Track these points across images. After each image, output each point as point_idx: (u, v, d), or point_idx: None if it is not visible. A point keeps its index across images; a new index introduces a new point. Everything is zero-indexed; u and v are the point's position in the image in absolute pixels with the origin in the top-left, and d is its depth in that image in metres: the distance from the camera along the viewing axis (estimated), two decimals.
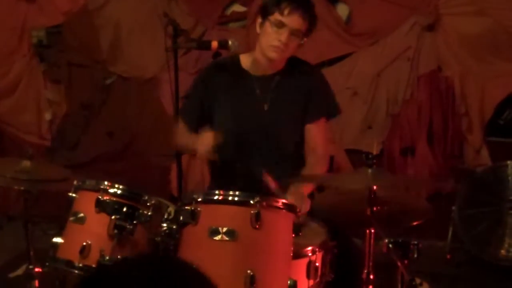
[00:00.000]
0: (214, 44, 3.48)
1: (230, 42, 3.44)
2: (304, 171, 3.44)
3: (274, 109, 3.46)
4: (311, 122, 3.49)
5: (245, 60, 3.52)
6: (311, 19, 3.35)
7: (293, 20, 3.30)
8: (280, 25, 3.30)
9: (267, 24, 3.33)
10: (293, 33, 3.31)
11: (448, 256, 4.82)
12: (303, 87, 3.49)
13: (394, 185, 3.02)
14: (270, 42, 3.33)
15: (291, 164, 3.46)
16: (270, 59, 3.39)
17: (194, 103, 3.59)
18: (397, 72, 5.49)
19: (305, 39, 3.38)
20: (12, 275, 4.35)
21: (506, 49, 5.31)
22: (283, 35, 3.30)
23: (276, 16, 3.30)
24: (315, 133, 3.50)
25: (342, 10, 5.66)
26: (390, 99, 5.49)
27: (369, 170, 2.86)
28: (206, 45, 3.61)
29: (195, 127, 3.51)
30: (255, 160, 3.43)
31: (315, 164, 3.45)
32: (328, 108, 3.56)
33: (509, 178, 4.76)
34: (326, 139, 3.59)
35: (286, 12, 3.29)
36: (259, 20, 3.40)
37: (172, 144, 3.56)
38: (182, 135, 3.54)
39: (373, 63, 5.56)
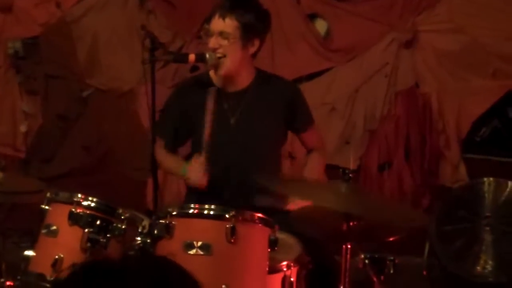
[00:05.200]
0: (191, 57, 3.46)
1: (207, 55, 3.42)
2: (309, 163, 3.69)
3: (241, 122, 3.48)
4: (304, 132, 3.66)
5: (215, 77, 3.52)
6: (239, 17, 3.38)
7: (213, 24, 3.41)
8: (207, 33, 3.45)
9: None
10: (220, 35, 3.38)
11: (424, 272, 4.81)
12: (281, 100, 3.50)
13: (370, 203, 3.00)
14: None
15: (266, 173, 3.47)
16: (221, 75, 3.43)
17: (169, 120, 3.61)
18: (375, 88, 5.49)
19: (255, 41, 3.43)
20: None
21: (483, 67, 5.33)
22: (211, 41, 3.40)
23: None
24: (310, 138, 3.70)
25: (321, 25, 5.66)
26: (368, 115, 5.49)
27: (344, 186, 2.85)
28: (183, 58, 3.60)
29: (172, 144, 3.59)
30: (230, 173, 3.43)
31: (319, 156, 3.71)
32: (311, 118, 3.70)
33: (486, 195, 4.77)
34: (320, 138, 3.83)
35: (210, 20, 3.42)
36: None
37: (150, 159, 3.55)
38: (164, 156, 3.57)
39: (351, 79, 5.55)
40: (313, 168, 3.66)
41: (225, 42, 3.36)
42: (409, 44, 5.41)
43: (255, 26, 3.41)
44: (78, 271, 1.37)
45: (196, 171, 3.32)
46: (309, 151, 3.75)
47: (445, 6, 5.37)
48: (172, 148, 3.60)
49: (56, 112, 5.92)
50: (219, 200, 3.16)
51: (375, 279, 2.81)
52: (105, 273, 1.35)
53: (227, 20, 3.35)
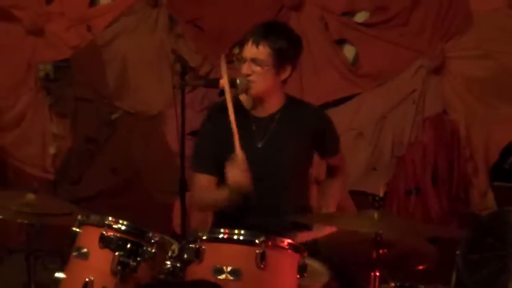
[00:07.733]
0: (222, 82, 3.49)
1: (238, 81, 3.45)
2: (331, 186, 3.80)
3: (269, 146, 3.48)
4: (330, 157, 3.75)
5: (245, 100, 3.55)
6: (272, 44, 3.39)
7: (246, 50, 3.43)
8: (240, 59, 3.46)
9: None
10: (253, 62, 3.41)
11: None
12: (309, 127, 3.51)
13: (401, 228, 2.99)
14: None
15: (293, 197, 3.48)
16: (250, 95, 3.46)
17: (206, 147, 3.58)
18: (403, 114, 5.49)
19: (287, 68, 3.46)
20: None
21: (511, 94, 5.31)
22: (244, 67, 3.42)
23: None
24: (335, 163, 3.80)
25: (349, 51, 5.67)
26: (395, 141, 5.48)
27: (376, 213, 2.85)
28: (214, 83, 3.61)
29: (215, 171, 3.50)
30: (257, 197, 3.42)
31: (338, 185, 3.85)
32: (338, 147, 3.76)
33: None
34: (344, 160, 3.91)
35: (242, 47, 3.46)
36: None
37: (179, 182, 3.58)
38: (204, 193, 3.53)
39: (379, 104, 5.55)
40: (331, 202, 3.73)
41: (258, 69, 3.39)
42: (437, 71, 5.40)
43: (288, 53, 3.43)
44: None
45: (236, 170, 3.25)
46: (330, 168, 3.83)
47: (474, 33, 5.36)
48: (220, 179, 3.48)
49: (85, 134, 5.98)
50: (246, 224, 3.15)
51: None
52: None
53: (261, 47, 3.37)
